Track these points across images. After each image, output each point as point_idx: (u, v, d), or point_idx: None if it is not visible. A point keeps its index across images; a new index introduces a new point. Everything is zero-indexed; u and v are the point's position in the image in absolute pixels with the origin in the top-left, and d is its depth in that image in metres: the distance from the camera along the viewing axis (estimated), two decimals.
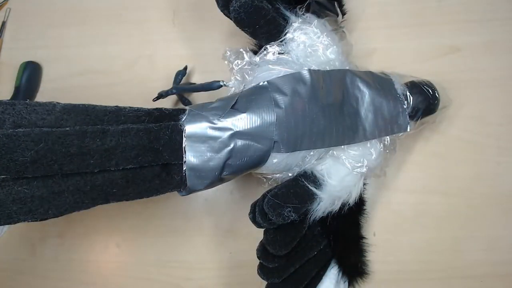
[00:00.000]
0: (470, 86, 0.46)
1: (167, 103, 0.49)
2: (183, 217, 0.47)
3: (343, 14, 0.42)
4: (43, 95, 0.52)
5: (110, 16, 0.53)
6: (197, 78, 0.50)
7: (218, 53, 0.42)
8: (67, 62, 0.52)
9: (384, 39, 0.48)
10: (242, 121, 0.32)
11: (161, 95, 0.45)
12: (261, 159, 0.33)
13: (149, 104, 0.37)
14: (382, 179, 0.44)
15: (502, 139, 0.45)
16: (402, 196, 0.45)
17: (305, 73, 0.35)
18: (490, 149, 0.45)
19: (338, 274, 0.40)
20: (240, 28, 0.36)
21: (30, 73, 0.51)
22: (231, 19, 0.35)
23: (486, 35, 0.47)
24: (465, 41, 0.47)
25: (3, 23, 0.53)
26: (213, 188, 0.47)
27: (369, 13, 0.49)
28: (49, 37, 0.53)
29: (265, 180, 0.40)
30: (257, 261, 0.36)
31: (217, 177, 0.33)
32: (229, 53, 0.38)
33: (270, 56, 0.37)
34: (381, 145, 0.38)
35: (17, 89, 0.50)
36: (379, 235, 0.45)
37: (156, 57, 0.51)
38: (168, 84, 0.47)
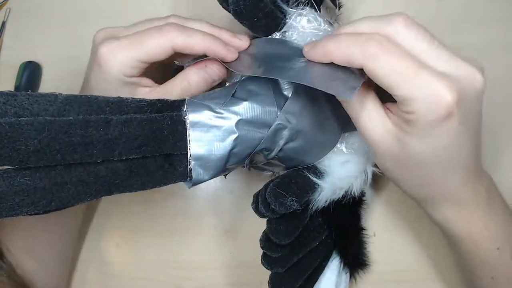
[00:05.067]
0: None
1: None
2: (183, 217, 0.47)
3: (339, 7, 0.43)
4: None
5: (110, 16, 0.53)
6: None
7: None
8: (67, 62, 0.52)
9: None
10: (244, 109, 0.32)
11: None
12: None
13: None
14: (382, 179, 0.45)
15: (501, 139, 0.45)
16: (402, 195, 0.45)
17: None
18: (490, 149, 0.45)
19: (340, 265, 0.40)
20: (238, 21, 0.36)
21: (30, 73, 0.50)
22: (229, 11, 0.35)
23: (486, 35, 0.47)
24: (465, 41, 0.47)
25: (3, 23, 0.53)
26: (213, 188, 0.48)
27: (369, 13, 0.49)
28: (49, 37, 0.53)
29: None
30: (258, 262, 0.36)
31: (223, 167, 0.32)
32: None
33: None
34: None
35: (17, 89, 0.50)
36: (379, 235, 0.45)
37: None
38: None
